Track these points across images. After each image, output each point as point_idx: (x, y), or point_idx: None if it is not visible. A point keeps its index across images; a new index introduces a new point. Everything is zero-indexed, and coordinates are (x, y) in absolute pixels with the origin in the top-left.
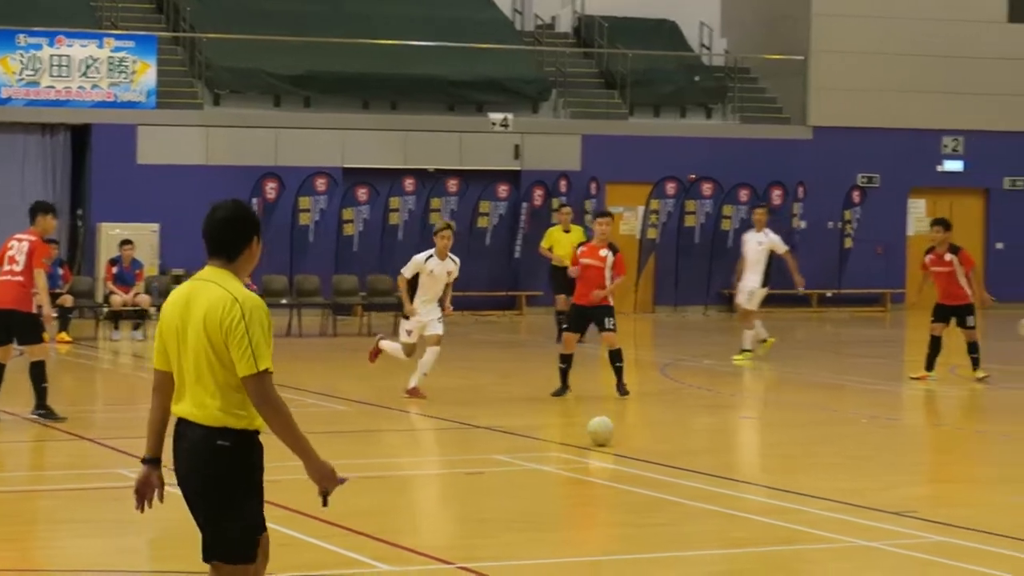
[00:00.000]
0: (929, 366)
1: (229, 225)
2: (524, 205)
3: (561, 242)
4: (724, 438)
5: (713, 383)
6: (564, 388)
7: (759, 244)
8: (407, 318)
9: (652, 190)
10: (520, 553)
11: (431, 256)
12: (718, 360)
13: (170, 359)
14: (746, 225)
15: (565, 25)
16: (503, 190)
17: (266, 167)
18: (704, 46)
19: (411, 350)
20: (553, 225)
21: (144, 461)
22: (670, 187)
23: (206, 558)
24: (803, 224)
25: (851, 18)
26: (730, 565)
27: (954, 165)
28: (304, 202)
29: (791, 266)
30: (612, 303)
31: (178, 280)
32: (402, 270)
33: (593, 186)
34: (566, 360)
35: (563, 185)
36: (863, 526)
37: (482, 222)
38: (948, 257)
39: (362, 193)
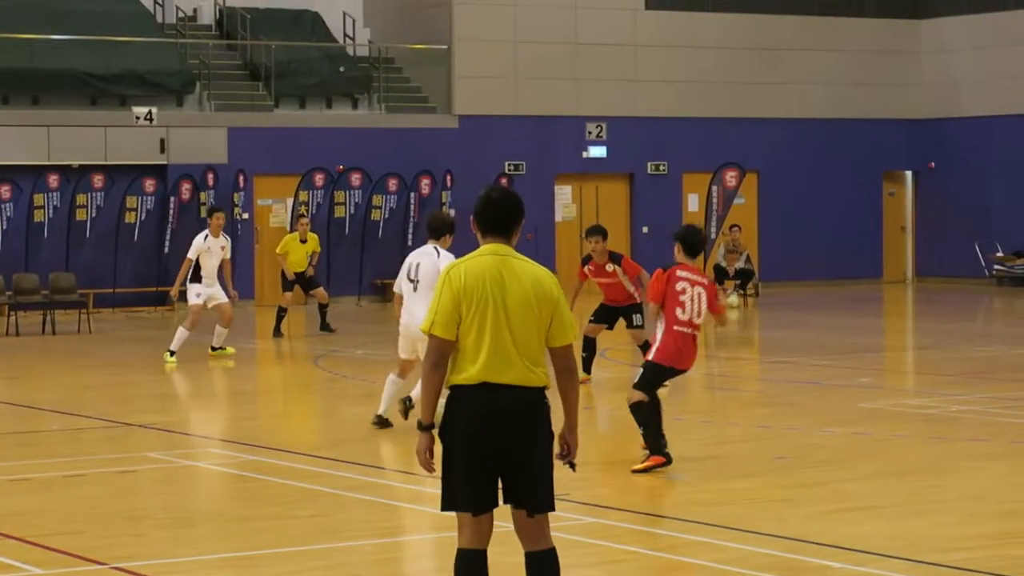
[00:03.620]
0: (586, 368)
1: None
2: (172, 199)
3: (296, 250)
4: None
5: (367, 373)
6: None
7: (221, 249)
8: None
9: (300, 182)
10: (175, 551)
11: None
12: (372, 349)
13: (464, 327)
14: (395, 214)
15: (207, 17)
16: (150, 184)
17: None
18: (348, 36)
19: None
20: (291, 233)
21: (426, 428)
22: (318, 178)
23: (536, 510)
24: (452, 212)
25: (493, 6)
26: (385, 554)
27: (598, 151)
28: None
29: None
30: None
31: None
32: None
33: (241, 179)
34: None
35: (210, 178)
36: None
37: (129, 217)
38: (610, 268)
39: (4, 191)
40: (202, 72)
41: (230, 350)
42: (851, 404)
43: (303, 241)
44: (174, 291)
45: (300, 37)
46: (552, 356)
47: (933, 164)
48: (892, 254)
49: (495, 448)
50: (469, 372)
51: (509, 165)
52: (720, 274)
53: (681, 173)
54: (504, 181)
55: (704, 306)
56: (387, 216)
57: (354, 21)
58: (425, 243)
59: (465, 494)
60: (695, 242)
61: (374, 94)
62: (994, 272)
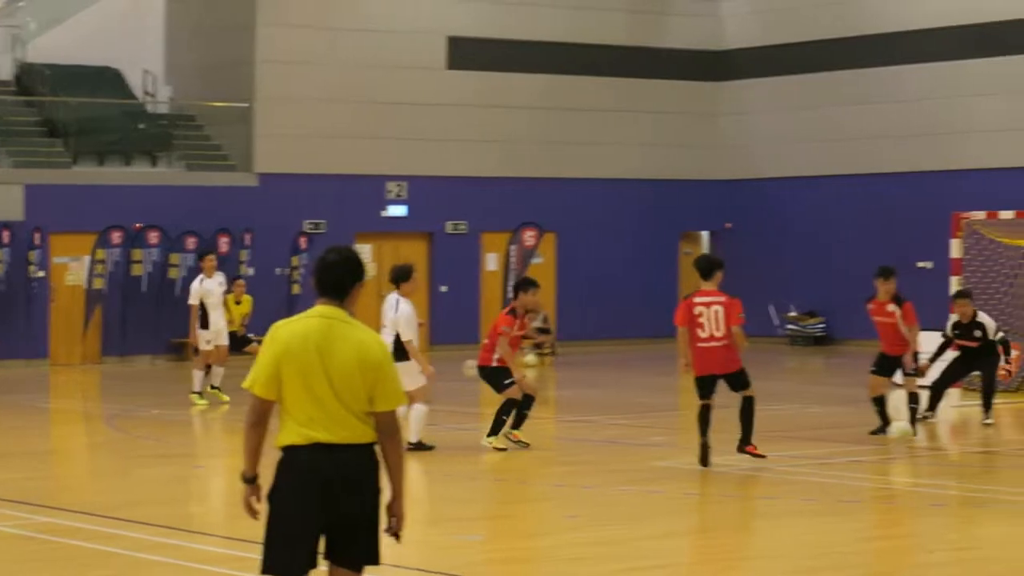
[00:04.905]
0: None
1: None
2: None
3: (232, 310)
4: (171, 488)
5: (162, 433)
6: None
7: (219, 285)
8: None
9: (97, 239)
10: None
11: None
12: (168, 409)
13: (287, 388)
14: (194, 273)
15: (6, 73)
16: None
17: None
18: (148, 93)
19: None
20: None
21: (248, 480)
22: (115, 236)
23: (363, 563)
24: (251, 271)
25: (296, 64)
26: None
27: (398, 210)
28: None
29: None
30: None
31: None
32: (189, 300)
33: (37, 236)
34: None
35: (6, 236)
36: None
37: None
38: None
39: None
40: None
41: (224, 397)
42: (645, 462)
43: (238, 303)
44: (193, 340)
45: (100, 94)
46: (376, 422)
47: (730, 224)
48: None
49: (326, 507)
50: (297, 433)
51: (308, 223)
52: None
53: (480, 232)
54: (303, 240)
55: (723, 319)
56: (185, 274)
57: (155, 78)
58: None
59: (287, 555)
60: (700, 267)
61: (174, 152)
62: (787, 331)
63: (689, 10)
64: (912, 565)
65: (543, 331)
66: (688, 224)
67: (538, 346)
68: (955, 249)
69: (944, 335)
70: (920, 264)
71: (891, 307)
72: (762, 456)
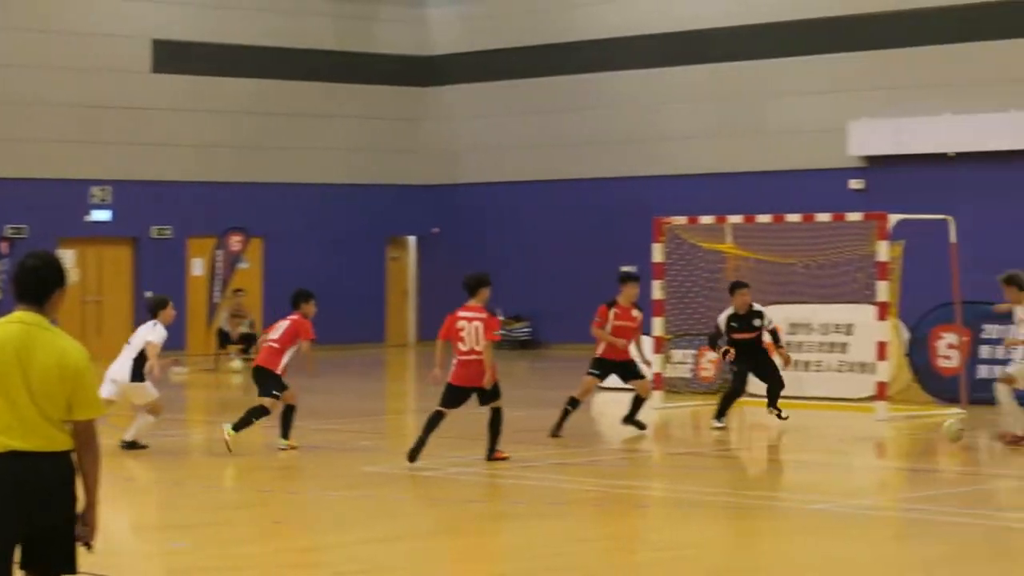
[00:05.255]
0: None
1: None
2: None
3: None
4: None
5: None
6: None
7: None
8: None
9: None
10: None
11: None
12: None
13: None
14: None
15: None
16: None
17: None
18: None
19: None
20: None
21: None
22: None
23: (59, 572)
24: None
25: (5, 68)
26: None
27: (102, 215)
28: None
29: None
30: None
31: None
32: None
33: None
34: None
35: None
36: None
37: None
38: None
39: None
40: None
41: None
42: (354, 467)
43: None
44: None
45: None
46: (73, 430)
47: (437, 229)
48: (395, 318)
49: (22, 515)
50: None
51: (10, 228)
52: (223, 339)
53: (186, 237)
54: (5, 245)
55: (482, 335)
56: None
57: None
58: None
59: None
60: (468, 284)
61: None
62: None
63: (396, 16)
64: (616, 566)
65: (249, 337)
66: (395, 229)
67: (244, 351)
68: (657, 253)
69: (717, 329)
70: (624, 268)
71: (636, 312)
72: (506, 458)
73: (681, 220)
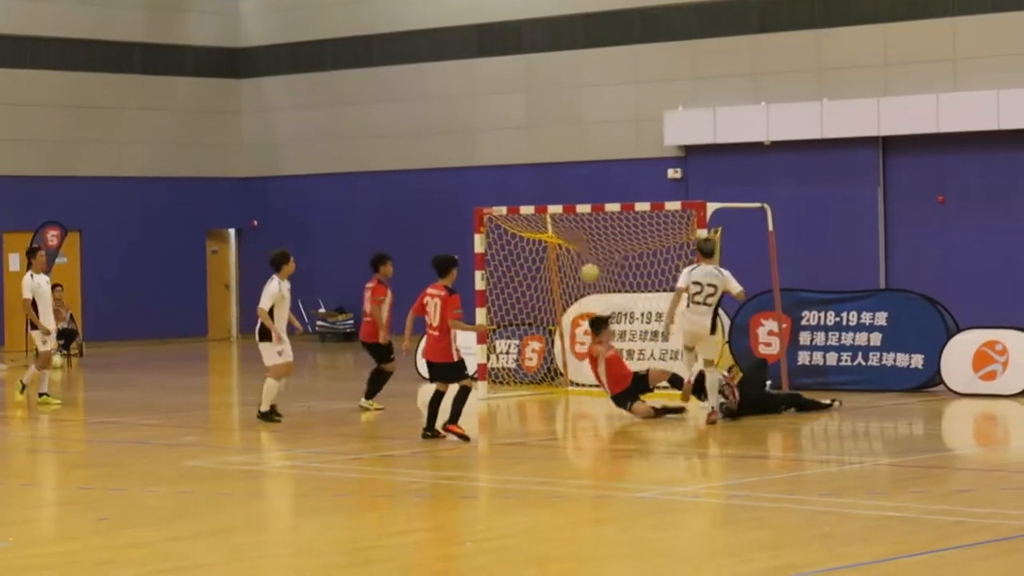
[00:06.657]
0: None
1: None
2: None
3: None
4: None
5: None
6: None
7: None
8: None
9: None
10: None
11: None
12: None
13: None
14: None
15: None
16: None
17: None
18: None
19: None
20: None
21: None
22: None
23: None
24: None
25: None
26: None
27: None
28: None
29: None
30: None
31: None
32: (261, 305)
33: None
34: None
35: None
36: None
37: None
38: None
39: None
40: None
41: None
42: (176, 463)
43: None
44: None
45: None
46: None
47: (256, 222)
48: (217, 312)
49: None
50: None
51: None
52: None
53: (2, 232)
54: None
55: (439, 312)
56: None
57: None
58: None
59: None
60: (437, 265)
61: None
62: (317, 328)
63: (207, 7)
64: (441, 557)
65: (69, 332)
66: (214, 222)
67: (64, 347)
68: (478, 244)
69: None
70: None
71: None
72: (467, 438)
73: (501, 210)
